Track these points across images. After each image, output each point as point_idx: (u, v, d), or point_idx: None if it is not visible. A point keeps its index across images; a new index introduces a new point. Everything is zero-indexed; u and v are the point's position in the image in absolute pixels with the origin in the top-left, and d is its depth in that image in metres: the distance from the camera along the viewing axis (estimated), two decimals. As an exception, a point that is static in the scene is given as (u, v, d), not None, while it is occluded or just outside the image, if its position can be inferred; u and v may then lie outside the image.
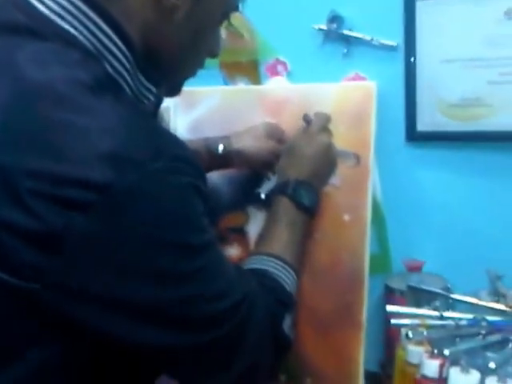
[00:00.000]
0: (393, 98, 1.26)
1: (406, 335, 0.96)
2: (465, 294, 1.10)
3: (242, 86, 1.43)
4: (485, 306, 1.03)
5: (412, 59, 1.23)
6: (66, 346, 0.73)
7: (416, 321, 0.99)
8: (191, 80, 1.42)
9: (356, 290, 1.18)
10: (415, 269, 1.21)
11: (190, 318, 0.75)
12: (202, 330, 0.76)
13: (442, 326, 0.99)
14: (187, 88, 1.38)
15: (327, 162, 1.14)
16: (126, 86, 0.78)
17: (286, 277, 0.98)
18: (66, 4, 0.74)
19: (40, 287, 0.67)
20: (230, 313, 0.79)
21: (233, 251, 1.31)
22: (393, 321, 1.02)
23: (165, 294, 0.72)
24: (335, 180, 1.21)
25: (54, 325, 0.71)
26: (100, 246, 0.67)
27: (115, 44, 0.76)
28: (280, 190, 1.09)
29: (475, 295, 1.07)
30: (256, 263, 0.98)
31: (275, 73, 1.38)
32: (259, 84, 1.41)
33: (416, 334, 0.96)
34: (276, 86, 1.38)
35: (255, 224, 1.28)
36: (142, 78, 0.81)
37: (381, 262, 1.29)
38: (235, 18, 1.36)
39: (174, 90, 0.95)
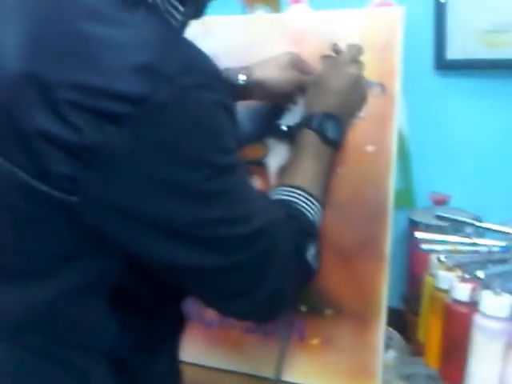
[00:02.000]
0: (421, 24, 1.22)
1: (439, 259, 0.93)
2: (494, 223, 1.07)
3: (261, 14, 1.38)
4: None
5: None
6: (101, 263, 0.75)
7: (447, 247, 0.95)
8: (208, 9, 1.39)
9: (380, 223, 1.14)
10: (441, 202, 1.17)
11: (213, 238, 0.75)
12: (226, 251, 0.77)
13: (474, 252, 0.95)
14: (204, 17, 1.37)
15: (356, 95, 1.09)
16: (153, 4, 0.77)
17: (310, 208, 0.96)
18: None
19: (78, 200, 0.68)
20: (255, 237, 0.79)
21: (253, 183, 1.27)
22: (423, 246, 0.98)
23: (189, 211, 0.72)
24: (362, 113, 1.16)
25: (90, 241, 0.73)
26: (133, 158, 0.67)
27: None
28: (305, 123, 1.05)
29: (505, 225, 1.03)
30: (280, 194, 0.97)
31: (297, 0, 1.32)
32: (279, 12, 1.36)
33: (448, 258, 0.92)
34: (297, 13, 1.32)
35: (275, 156, 1.25)
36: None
37: (405, 196, 1.25)
38: None
39: (199, 11, 0.93)
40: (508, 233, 1.00)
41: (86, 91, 0.65)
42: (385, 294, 1.12)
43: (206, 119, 0.71)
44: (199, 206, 0.73)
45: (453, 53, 1.18)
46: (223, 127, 0.74)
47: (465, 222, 1.03)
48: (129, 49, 0.67)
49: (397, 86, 1.16)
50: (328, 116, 1.04)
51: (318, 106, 1.06)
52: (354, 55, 1.10)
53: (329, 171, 1.05)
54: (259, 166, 1.27)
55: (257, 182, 1.28)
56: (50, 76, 0.66)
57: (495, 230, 1.01)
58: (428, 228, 1.11)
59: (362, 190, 1.16)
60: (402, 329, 1.20)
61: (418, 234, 1.03)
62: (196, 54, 0.74)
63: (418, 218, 1.17)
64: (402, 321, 1.21)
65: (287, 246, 0.85)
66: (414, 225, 1.17)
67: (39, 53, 0.68)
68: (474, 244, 0.97)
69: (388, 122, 1.16)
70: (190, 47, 0.75)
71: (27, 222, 0.73)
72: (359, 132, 1.17)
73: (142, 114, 0.66)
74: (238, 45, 1.31)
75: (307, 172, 1.00)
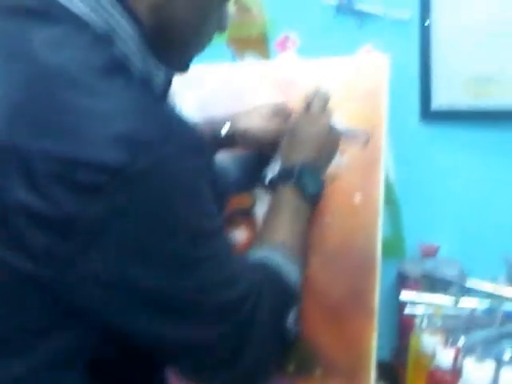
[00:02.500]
0: (407, 74, 1.21)
1: (420, 324, 0.90)
2: (482, 278, 1.04)
3: (250, 62, 1.38)
4: (502, 295, 0.96)
5: (428, 31, 1.17)
6: (76, 337, 0.72)
7: (430, 309, 0.93)
8: (199, 57, 1.40)
9: (368, 276, 1.11)
10: (430, 253, 1.15)
11: (202, 307, 0.74)
12: (214, 320, 0.75)
13: (457, 315, 0.93)
14: (194, 64, 1.37)
15: (330, 143, 1.08)
16: (136, 65, 0.77)
17: (290, 269, 0.93)
18: None
19: (54, 273, 0.66)
20: (240, 303, 0.77)
21: (240, 234, 1.26)
22: (407, 310, 0.96)
23: (178, 280, 0.71)
24: (341, 160, 1.14)
25: (65, 315, 0.70)
26: (111, 229, 0.66)
27: (125, 23, 0.76)
28: (284, 176, 1.04)
29: (492, 281, 1.00)
30: (259, 255, 0.94)
31: (285, 48, 1.33)
32: (268, 59, 1.37)
33: (430, 322, 0.90)
34: (285, 61, 1.32)
35: (263, 206, 1.22)
36: (151, 56, 0.80)
37: (394, 245, 1.23)
38: (243, -9, 1.34)
39: (184, 67, 0.92)
40: (493, 292, 0.97)
41: (64, 163, 0.64)
42: (374, 350, 1.09)
43: (188, 186, 0.70)
44: (188, 275, 0.71)
45: (438, 102, 1.17)
46: (205, 193, 0.73)
47: (450, 280, 1.00)
48: (107, 119, 0.66)
49: (383, 135, 1.15)
50: (307, 167, 1.02)
51: (295, 158, 1.04)
52: (323, 104, 1.09)
53: (306, 227, 1.03)
54: (247, 216, 1.25)
55: (245, 233, 1.26)
56: (29, 147, 0.65)
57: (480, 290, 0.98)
58: (416, 282, 1.09)
59: (350, 240, 1.14)
60: (392, 382, 1.18)
61: (403, 295, 1.01)
62: (176, 120, 0.73)
63: (407, 270, 1.15)
64: (393, 374, 1.18)
65: (268, 311, 0.82)
66: (403, 278, 1.15)
67: (18, 123, 0.67)
68: (458, 305, 0.94)
69: (375, 171, 1.15)
70: (170, 114, 0.74)
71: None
72: (346, 181, 1.16)
73: (120, 184, 0.64)
74: (228, 92, 1.31)
75: (286, 230, 0.98)
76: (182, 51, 0.87)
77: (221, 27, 0.92)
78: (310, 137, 1.05)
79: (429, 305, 0.96)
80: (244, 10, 1.35)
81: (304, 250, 1.01)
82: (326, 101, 1.09)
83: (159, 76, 0.83)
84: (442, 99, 1.17)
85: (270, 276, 0.88)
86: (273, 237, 0.97)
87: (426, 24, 1.17)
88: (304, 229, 1.01)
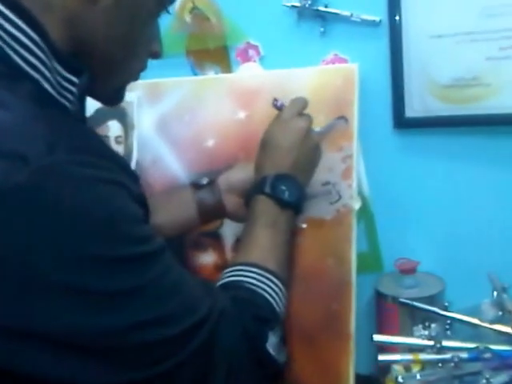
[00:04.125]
0: (377, 81, 1.14)
1: (396, 380, 0.82)
2: (464, 298, 0.97)
3: (211, 75, 1.31)
4: (488, 328, 0.89)
5: (398, 35, 1.10)
6: None
7: (408, 356, 0.86)
8: (156, 71, 1.32)
9: (343, 298, 1.05)
10: (409, 271, 1.08)
11: (130, 349, 0.64)
12: (149, 362, 0.65)
13: (439, 361, 0.85)
14: (152, 80, 1.30)
15: (308, 149, 1.00)
16: (41, 79, 0.69)
17: (267, 287, 0.86)
18: None
19: None
20: (186, 338, 0.68)
21: (208, 257, 1.18)
22: (381, 357, 0.89)
23: (92, 319, 0.61)
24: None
25: None
26: None
27: (22, 31, 0.67)
28: (257, 188, 0.96)
29: (476, 310, 0.93)
30: (232, 275, 0.86)
31: (247, 58, 1.26)
32: (230, 71, 1.29)
33: (408, 378, 0.82)
34: (248, 73, 1.25)
35: (231, 226, 1.16)
36: (62, 69, 0.71)
37: (371, 260, 1.17)
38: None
39: (115, 97, 0.85)
40: (478, 325, 0.89)
41: None
42: (351, 376, 1.02)
43: (84, 199, 0.60)
44: (106, 312, 0.61)
45: (412, 110, 1.10)
46: (122, 210, 0.64)
47: (429, 311, 0.93)
48: None
49: (355, 147, 1.09)
50: (281, 177, 0.95)
51: (268, 168, 0.97)
52: (298, 108, 1.00)
53: (290, 238, 0.96)
54: (214, 237, 1.18)
55: (212, 256, 1.19)
56: None
57: (464, 321, 0.91)
58: (394, 301, 1.01)
59: (322, 260, 1.08)
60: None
61: (377, 338, 0.93)
62: (70, 132, 0.65)
63: (384, 288, 1.08)
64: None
65: (236, 340, 0.74)
66: (380, 296, 1.07)
67: None
68: (440, 349, 0.86)
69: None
70: (64, 126, 0.66)
71: None
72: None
73: None
74: (189, 108, 1.25)
75: (263, 244, 0.91)
76: (108, 76, 0.78)
77: (153, 51, 0.83)
78: (284, 144, 0.97)
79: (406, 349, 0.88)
80: (201, 19, 1.27)
81: (287, 263, 0.93)
82: (301, 106, 1.01)
83: (71, 90, 0.73)
84: (415, 106, 1.10)
85: (241, 296, 0.81)
86: (248, 253, 0.90)
87: (396, 31, 1.10)
88: (285, 239, 0.94)
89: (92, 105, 1.26)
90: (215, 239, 1.18)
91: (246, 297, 0.82)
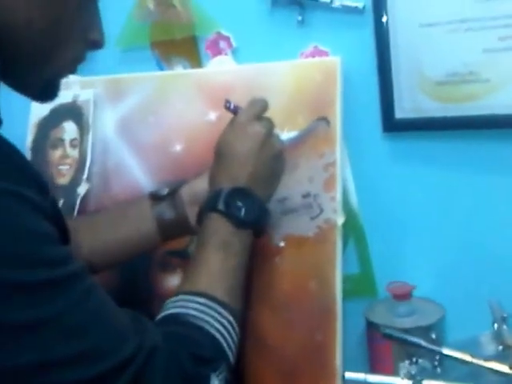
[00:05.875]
0: (363, 77, 1.01)
1: None
2: (464, 327, 0.88)
3: (179, 71, 1.18)
4: (483, 366, 0.78)
5: (384, 24, 0.97)
6: None
7: None
8: (117, 65, 1.20)
9: (327, 327, 0.94)
10: (403, 297, 0.95)
11: None
12: None
13: None
14: (112, 75, 1.17)
15: (267, 158, 0.88)
16: None
17: (214, 320, 0.75)
18: None
19: None
20: (104, 381, 0.60)
21: (177, 280, 1.06)
22: None
23: None
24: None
25: None
26: None
27: None
28: (210, 204, 0.84)
29: (475, 342, 0.82)
30: (174, 307, 0.76)
31: (218, 51, 1.14)
32: (200, 66, 1.17)
33: None
34: (219, 67, 1.13)
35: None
36: None
37: (363, 284, 1.05)
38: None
39: (46, 92, 0.73)
40: (470, 362, 0.78)
41: None
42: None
43: None
44: (5, 349, 0.54)
45: (402, 111, 0.97)
46: (24, 226, 0.56)
47: (414, 344, 0.81)
48: None
49: (338, 153, 0.97)
50: (237, 191, 0.84)
51: (223, 180, 0.85)
52: (256, 111, 0.89)
53: (245, 261, 0.84)
54: (183, 257, 1.06)
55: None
56: None
57: (453, 357, 0.79)
58: (385, 335, 0.89)
59: (303, 283, 0.97)
60: None
61: (348, 375, 0.83)
62: None
63: (376, 317, 0.96)
64: None
65: (166, 383, 0.65)
66: (372, 326, 0.95)
67: None
68: None
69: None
70: None
71: None
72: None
73: None
74: (153, 104, 1.15)
75: (212, 270, 0.80)
76: (35, 69, 0.69)
77: (91, 38, 0.72)
78: (239, 152, 0.86)
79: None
80: (166, 6, 1.14)
81: (240, 289, 0.82)
82: (259, 108, 0.90)
83: None
84: (406, 106, 0.97)
85: (178, 332, 0.71)
86: (194, 280, 0.79)
87: (382, 19, 0.96)
88: (239, 263, 0.82)
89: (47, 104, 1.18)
90: (184, 259, 1.06)
91: (186, 332, 0.72)
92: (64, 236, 0.66)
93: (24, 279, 0.55)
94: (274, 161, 0.88)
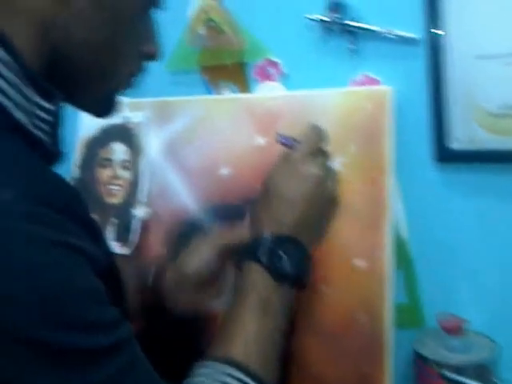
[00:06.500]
0: (415, 107, 1.00)
1: None
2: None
3: (227, 95, 1.18)
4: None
5: (438, 56, 0.96)
6: None
7: None
8: (167, 88, 1.21)
9: (376, 359, 0.92)
10: (454, 331, 0.93)
11: None
12: None
13: None
14: (161, 98, 1.17)
15: (321, 202, 0.81)
16: (10, 106, 0.58)
17: None
18: None
19: None
20: None
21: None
22: None
23: None
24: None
25: None
26: None
27: None
28: (250, 251, 0.78)
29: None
30: (205, 375, 0.69)
31: (266, 77, 1.13)
32: (247, 91, 1.16)
33: None
34: (268, 93, 1.13)
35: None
36: (35, 94, 0.61)
37: (410, 314, 1.03)
38: (214, 10, 1.14)
39: (104, 108, 0.73)
40: None
41: None
42: None
43: (28, 267, 0.49)
44: None
45: (455, 141, 0.96)
46: (76, 284, 0.52)
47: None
48: None
49: (389, 183, 0.95)
50: (281, 239, 0.77)
51: (267, 224, 0.78)
52: (314, 146, 0.82)
53: (285, 321, 0.77)
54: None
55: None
56: None
57: None
58: (437, 366, 0.87)
59: (351, 314, 0.94)
60: None
61: None
62: (41, 178, 0.56)
63: (425, 349, 0.94)
64: None
65: None
66: (420, 358, 0.93)
67: None
68: None
69: (380, 228, 0.95)
70: (34, 168, 0.57)
71: None
72: (346, 242, 0.96)
73: None
74: (201, 127, 1.14)
75: (248, 334, 0.72)
76: (94, 85, 0.68)
77: (148, 51, 0.72)
78: (288, 194, 0.79)
79: None
80: (217, 32, 1.14)
81: (276, 353, 0.74)
82: (316, 142, 0.83)
83: (44, 118, 0.62)
84: (459, 137, 0.95)
85: None
86: (228, 344, 0.72)
87: (437, 50, 0.95)
88: (277, 325, 0.75)
89: (96, 123, 1.19)
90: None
91: None
92: (116, 290, 0.64)
93: (69, 343, 0.51)
94: (327, 206, 0.82)
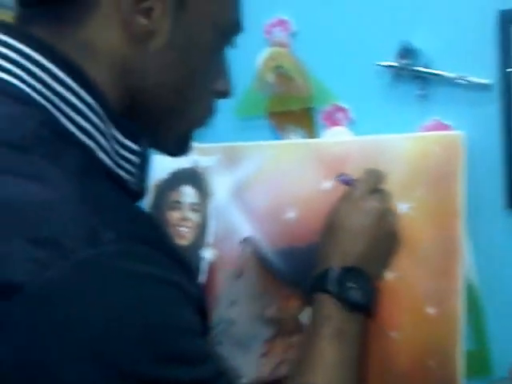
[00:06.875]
0: (487, 152, 0.99)
1: None
2: None
3: (294, 140, 1.19)
4: None
5: (510, 101, 0.95)
6: None
7: None
8: (234, 133, 1.23)
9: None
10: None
11: None
12: None
13: None
14: (230, 143, 1.20)
15: (382, 236, 0.86)
16: (95, 147, 0.60)
17: None
18: (3, 50, 0.59)
19: None
20: None
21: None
22: None
23: None
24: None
25: None
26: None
27: (70, 89, 0.59)
28: (319, 284, 0.83)
29: None
30: None
31: (334, 122, 1.14)
32: (315, 136, 1.17)
33: None
34: (336, 138, 1.13)
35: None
36: (119, 135, 0.63)
37: (477, 361, 1.00)
38: (283, 56, 1.16)
39: (180, 147, 0.75)
40: None
41: None
42: None
43: (131, 304, 0.50)
44: None
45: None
46: (176, 320, 0.54)
47: None
48: (30, 218, 0.50)
49: (461, 229, 0.94)
50: (349, 271, 0.81)
51: (333, 258, 0.83)
52: (374, 184, 0.88)
53: (360, 349, 0.81)
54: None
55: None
56: None
57: None
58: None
59: (422, 361, 0.93)
60: None
61: None
62: (122, 213, 0.57)
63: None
64: None
65: None
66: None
67: None
68: None
69: (452, 275, 0.94)
70: (125, 207, 0.59)
71: None
72: (417, 287, 0.95)
73: (16, 309, 0.47)
74: (268, 171, 1.15)
75: (327, 361, 0.77)
76: (170, 125, 0.70)
77: (221, 90, 0.73)
78: (352, 228, 0.84)
79: None
80: (285, 78, 1.16)
81: (354, 380, 0.79)
82: (375, 180, 0.89)
83: (130, 160, 0.64)
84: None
85: None
86: (309, 372, 0.76)
87: (510, 95, 0.95)
88: (353, 352, 0.80)
89: (167, 166, 1.22)
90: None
91: None
92: (205, 325, 0.65)
93: (174, 377, 0.53)
94: (389, 239, 0.87)
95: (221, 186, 1.18)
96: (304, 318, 1.01)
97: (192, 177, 1.20)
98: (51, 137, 0.57)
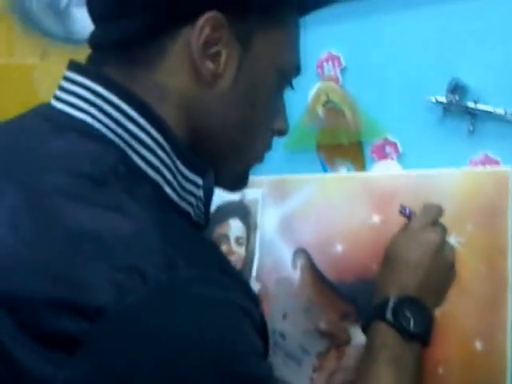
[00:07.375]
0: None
1: None
2: None
3: (343, 173, 1.21)
4: None
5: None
6: None
7: None
8: (283, 166, 1.24)
9: None
10: None
11: None
12: None
13: None
14: (278, 175, 1.21)
15: (439, 268, 0.87)
16: (162, 182, 0.64)
17: None
18: (80, 91, 0.65)
19: None
20: None
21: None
22: None
23: None
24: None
25: None
26: None
27: (143, 129, 0.63)
28: (376, 313, 0.83)
29: None
30: None
31: (383, 155, 1.14)
32: (364, 169, 1.19)
33: None
34: (385, 172, 1.14)
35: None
36: (185, 170, 0.66)
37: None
38: (333, 91, 1.18)
39: (238, 182, 0.78)
40: None
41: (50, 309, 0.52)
42: None
43: (206, 325, 0.53)
44: None
45: None
46: (245, 341, 0.57)
47: None
48: (113, 247, 0.54)
49: (508, 264, 0.93)
50: (405, 300, 0.82)
51: (391, 288, 0.84)
52: (431, 217, 0.89)
53: (414, 377, 0.81)
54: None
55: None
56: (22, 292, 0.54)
57: None
58: None
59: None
60: None
61: None
62: (201, 246, 0.62)
63: None
64: None
65: None
66: None
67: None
68: None
69: (500, 311, 0.93)
70: (192, 237, 0.63)
71: None
72: (463, 323, 0.94)
73: (99, 332, 0.51)
74: (316, 204, 1.16)
75: None
76: (231, 162, 0.73)
77: (279, 128, 0.76)
78: (410, 259, 0.85)
79: None
80: (336, 112, 1.18)
81: None
82: (434, 214, 0.89)
83: (195, 194, 0.68)
84: None
85: None
86: None
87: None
88: (408, 379, 0.80)
89: (215, 200, 1.24)
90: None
91: None
92: (266, 348, 0.68)
93: None
94: (446, 271, 0.87)
95: (268, 218, 1.20)
96: (356, 333, 1.02)
97: (239, 210, 1.22)
98: (126, 172, 0.61)
